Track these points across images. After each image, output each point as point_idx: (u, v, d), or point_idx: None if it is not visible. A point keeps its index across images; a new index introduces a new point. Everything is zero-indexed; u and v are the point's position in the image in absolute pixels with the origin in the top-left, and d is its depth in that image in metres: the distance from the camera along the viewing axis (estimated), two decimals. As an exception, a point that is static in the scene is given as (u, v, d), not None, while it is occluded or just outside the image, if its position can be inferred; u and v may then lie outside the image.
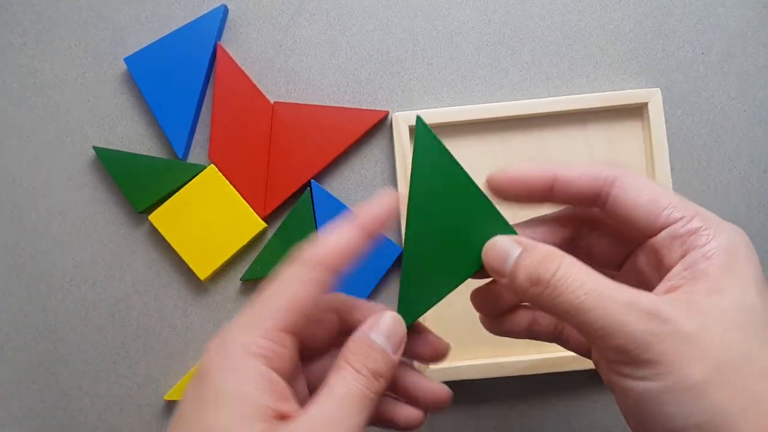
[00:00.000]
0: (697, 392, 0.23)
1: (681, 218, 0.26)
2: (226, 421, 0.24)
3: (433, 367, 0.41)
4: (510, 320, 0.31)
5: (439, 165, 0.28)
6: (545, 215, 0.30)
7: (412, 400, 0.30)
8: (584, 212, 0.30)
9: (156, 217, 0.43)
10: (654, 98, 0.42)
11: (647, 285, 0.26)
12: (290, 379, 0.26)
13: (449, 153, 0.28)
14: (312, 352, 0.29)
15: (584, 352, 0.31)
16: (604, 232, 0.29)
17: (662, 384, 0.23)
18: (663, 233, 0.26)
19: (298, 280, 0.27)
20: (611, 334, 0.23)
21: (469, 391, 0.43)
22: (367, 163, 0.44)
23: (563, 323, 0.31)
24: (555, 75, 0.44)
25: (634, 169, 0.28)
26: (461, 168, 0.28)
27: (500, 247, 0.27)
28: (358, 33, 0.45)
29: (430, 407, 0.30)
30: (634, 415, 0.25)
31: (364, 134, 0.44)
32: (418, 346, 0.30)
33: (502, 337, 0.39)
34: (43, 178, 0.45)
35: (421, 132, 0.28)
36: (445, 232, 0.28)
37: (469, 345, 0.42)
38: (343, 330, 0.29)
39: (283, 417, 0.25)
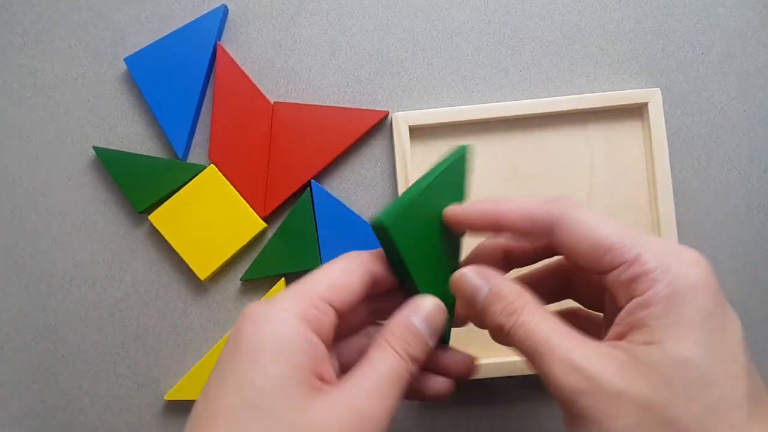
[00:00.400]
0: None
1: (621, 263, 0.25)
2: (263, 380, 0.24)
3: None
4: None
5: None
6: (539, 268, 0.32)
7: (439, 371, 0.31)
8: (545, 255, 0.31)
9: (156, 217, 0.43)
10: (654, 98, 0.42)
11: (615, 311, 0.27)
12: (329, 346, 0.27)
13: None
14: (344, 331, 0.30)
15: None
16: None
17: None
18: (608, 278, 0.26)
19: (349, 266, 0.28)
20: (548, 384, 0.25)
21: (468, 392, 0.43)
22: (367, 163, 0.44)
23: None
24: (555, 75, 0.44)
25: (577, 201, 0.28)
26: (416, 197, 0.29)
27: (468, 283, 0.28)
28: (358, 33, 0.45)
29: (456, 376, 0.31)
30: None
31: (364, 134, 0.44)
32: (449, 363, 0.31)
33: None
34: (43, 178, 0.45)
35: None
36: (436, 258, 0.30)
37: (468, 346, 0.42)
38: (377, 303, 0.30)
39: (321, 380, 0.25)
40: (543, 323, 0.26)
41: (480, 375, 0.41)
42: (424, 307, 0.28)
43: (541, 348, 0.25)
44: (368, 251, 0.30)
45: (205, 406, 0.25)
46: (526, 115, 0.42)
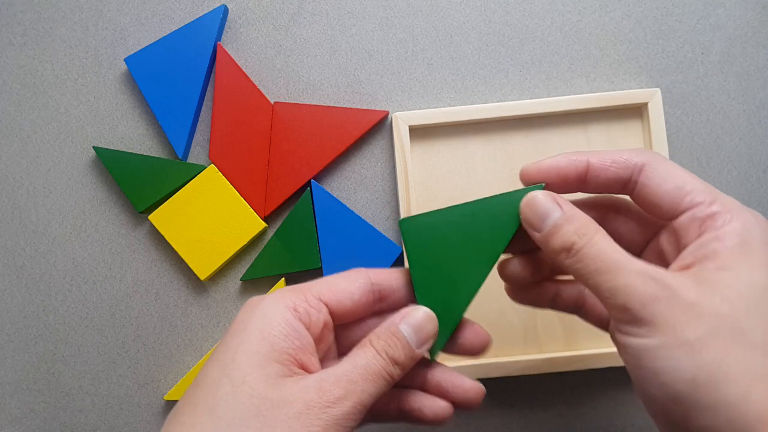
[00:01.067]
0: (688, 350, 0.25)
1: (701, 203, 0.27)
2: (243, 355, 0.26)
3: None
4: (535, 291, 0.33)
5: (429, 228, 0.31)
6: (574, 200, 0.31)
7: (442, 394, 0.31)
8: (610, 198, 0.32)
9: (156, 217, 0.43)
10: (654, 98, 0.42)
11: (666, 264, 0.28)
12: (318, 340, 0.29)
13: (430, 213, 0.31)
14: (346, 320, 0.31)
15: (603, 325, 0.33)
16: (630, 216, 0.32)
17: (657, 340, 0.25)
18: (683, 216, 0.28)
19: (351, 275, 0.30)
20: (616, 295, 0.26)
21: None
22: (367, 163, 0.44)
23: (582, 299, 0.33)
24: (555, 75, 0.44)
25: (660, 154, 0.30)
26: (446, 209, 0.31)
27: (540, 205, 0.29)
28: (358, 33, 0.45)
29: (460, 403, 0.31)
30: (634, 373, 0.27)
31: (364, 134, 0.44)
32: (449, 386, 0.32)
33: (501, 338, 0.40)
34: (44, 177, 0.45)
35: (407, 227, 0.31)
36: (450, 258, 0.31)
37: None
38: (380, 308, 0.31)
39: (303, 367, 0.27)
40: (612, 245, 0.27)
41: (482, 375, 0.41)
42: (414, 315, 0.29)
43: (618, 262, 0.26)
44: (380, 268, 0.31)
45: (195, 379, 0.27)
46: (526, 115, 0.42)
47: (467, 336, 0.32)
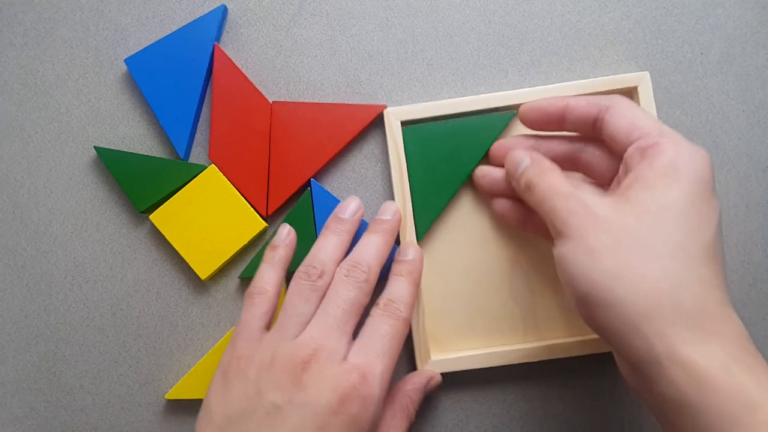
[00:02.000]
0: (590, 255, 0.29)
1: (645, 135, 0.32)
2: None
3: (434, 358, 0.41)
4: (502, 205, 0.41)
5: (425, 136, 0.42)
6: (557, 134, 0.39)
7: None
8: (585, 134, 0.37)
9: (157, 217, 0.43)
10: (643, 81, 0.41)
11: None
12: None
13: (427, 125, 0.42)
14: None
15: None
16: (602, 149, 0.36)
17: (567, 248, 0.30)
18: (631, 147, 0.32)
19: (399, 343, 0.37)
20: (549, 214, 0.32)
21: (469, 381, 0.43)
22: (367, 162, 0.44)
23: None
24: (554, 75, 0.44)
25: (628, 99, 0.34)
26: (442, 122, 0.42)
27: (517, 156, 0.37)
28: (358, 33, 0.45)
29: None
30: (561, 280, 0.31)
31: (363, 129, 0.44)
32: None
33: (499, 328, 0.43)
34: (45, 178, 0.45)
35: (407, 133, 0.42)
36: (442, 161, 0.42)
37: (468, 336, 0.42)
38: None
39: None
40: (561, 180, 0.33)
41: (479, 365, 0.41)
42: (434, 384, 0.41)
43: (556, 190, 0.32)
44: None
45: None
46: (518, 104, 0.41)
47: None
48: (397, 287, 0.37)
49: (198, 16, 0.44)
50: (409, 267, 0.38)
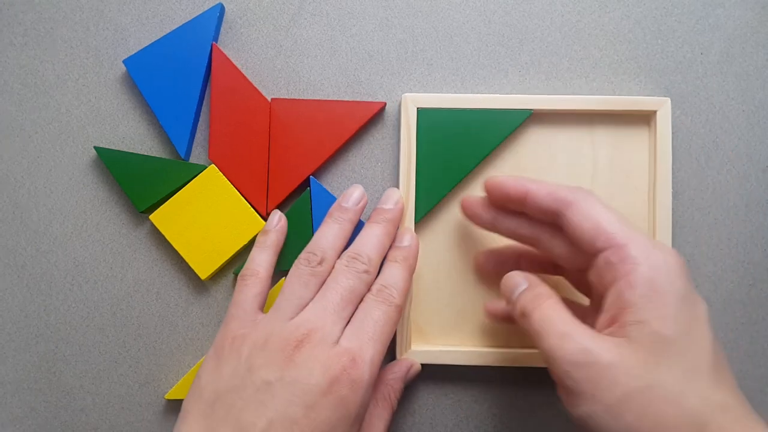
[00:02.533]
0: (611, 414, 0.28)
1: (611, 246, 0.30)
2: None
3: (415, 348, 0.42)
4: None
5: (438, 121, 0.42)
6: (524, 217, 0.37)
7: None
8: (550, 221, 0.35)
9: (157, 217, 0.43)
10: (663, 107, 0.42)
11: (597, 296, 0.32)
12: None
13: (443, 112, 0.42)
14: None
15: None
16: (562, 238, 0.35)
17: (586, 410, 0.29)
18: (600, 257, 0.31)
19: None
20: (547, 355, 0.30)
21: (469, 381, 0.43)
22: (366, 160, 0.44)
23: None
24: (554, 76, 0.44)
25: (593, 194, 0.33)
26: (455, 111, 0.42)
27: (513, 279, 0.35)
28: (358, 33, 0.45)
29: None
30: None
31: (362, 127, 0.44)
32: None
33: (483, 328, 0.43)
34: (45, 177, 0.45)
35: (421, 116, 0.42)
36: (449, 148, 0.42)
37: (451, 332, 0.43)
38: None
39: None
40: (556, 311, 0.31)
41: (463, 362, 0.42)
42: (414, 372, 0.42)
43: (547, 324, 0.31)
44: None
45: None
46: (536, 110, 0.42)
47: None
48: (391, 273, 0.37)
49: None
50: (404, 253, 0.38)
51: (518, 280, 0.34)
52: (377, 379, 0.39)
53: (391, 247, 0.39)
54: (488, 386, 0.43)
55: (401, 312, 0.36)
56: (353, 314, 0.35)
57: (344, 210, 0.39)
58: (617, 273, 0.30)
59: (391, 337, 0.35)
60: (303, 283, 0.36)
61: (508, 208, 0.37)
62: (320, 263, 0.36)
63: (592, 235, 0.31)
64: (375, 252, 0.37)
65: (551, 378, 0.31)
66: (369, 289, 0.36)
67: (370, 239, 0.38)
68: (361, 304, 0.35)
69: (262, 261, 0.39)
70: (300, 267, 0.37)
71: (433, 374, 0.43)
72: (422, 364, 0.41)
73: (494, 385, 0.43)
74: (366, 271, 0.36)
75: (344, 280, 0.35)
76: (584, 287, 0.38)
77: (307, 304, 0.35)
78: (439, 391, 0.43)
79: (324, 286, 0.36)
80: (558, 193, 0.33)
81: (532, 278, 0.34)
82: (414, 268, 0.39)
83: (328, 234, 0.38)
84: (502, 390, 0.43)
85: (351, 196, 0.40)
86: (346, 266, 0.36)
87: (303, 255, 0.37)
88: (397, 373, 0.40)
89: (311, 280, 0.36)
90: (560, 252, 0.35)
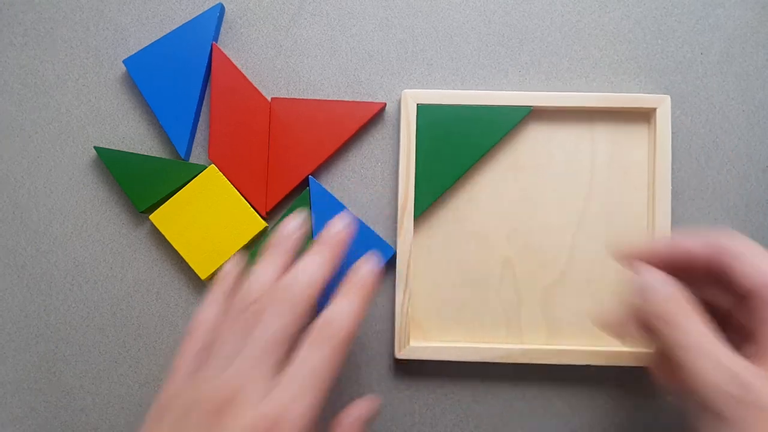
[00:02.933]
0: None
1: None
2: None
3: (414, 344, 0.42)
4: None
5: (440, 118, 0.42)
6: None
7: None
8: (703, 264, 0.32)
9: (157, 217, 0.43)
10: (663, 105, 0.42)
11: (742, 331, 0.30)
12: None
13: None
14: None
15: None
16: (717, 287, 0.32)
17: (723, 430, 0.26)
18: (763, 293, 0.29)
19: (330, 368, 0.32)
20: (698, 382, 0.27)
21: (469, 381, 0.43)
22: (366, 160, 0.44)
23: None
24: (554, 75, 0.44)
25: (737, 236, 0.31)
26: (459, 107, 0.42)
27: (652, 277, 0.31)
28: (358, 33, 0.45)
29: None
30: None
31: (362, 127, 0.44)
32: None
33: (482, 326, 0.42)
34: (45, 177, 0.45)
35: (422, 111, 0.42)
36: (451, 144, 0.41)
37: (453, 328, 0.43)
38: None
39: None
40: (703, 329, 0.29)
41: (457, 357, 0.42)
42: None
43: (693, 342, 0.28)
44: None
45: None
46: (535, 107, 0.42)
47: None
48: (338, 306, 0.32)
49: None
50: (358, 283, 0.34)
51: (658, 279, 0.31)
52: (333, 426, 0.35)
53: (346, 277, 0.35)
54: (488, 385, 0.43)
55: (346, 345, 0.31)
56: (291, 357, 0.31)
57: (279, 243, 0.36)
58: None
59: (332, 377, 0.31)
60: (233, 331, 0.32)
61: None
62: (250, 305, 0.33)
63: (764, 279, 0.29)
64: (307, 281, 0.33)
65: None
66: (310, 324, 0.32)
67: (304, 269, 0.33)
68: (299, 348, 0.31)
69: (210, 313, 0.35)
70: (232, 313, 0.33)
71: (433, 372, 0.43)
72: (421, 361, 0.41)
73: (494, 384, 0.43)
74: (296, 304, 0.32)
75: (271, 322, 0.31)
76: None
77: (239, 355, 0.31)
78: (439, 390, 0.43)
79: (252, 332, 0.31)
80: (713, 241, 0.31)
81: (673, 281, 0.31)
82: (368, 298, 0.34)
83: (262, 275, 0.34)
84: (502, 389, 0.43)
85: (287, 226, 0.37)
86: (273, 303, 0.32)
87: (237, 299, 0.34)
88: (353, 416, 0.35)
89: (240, 327, 0.32)
90: (714, 297, 0.33)
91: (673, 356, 0.29)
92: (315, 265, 0.33)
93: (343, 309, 0.32)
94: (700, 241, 0.32)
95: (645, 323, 0.32)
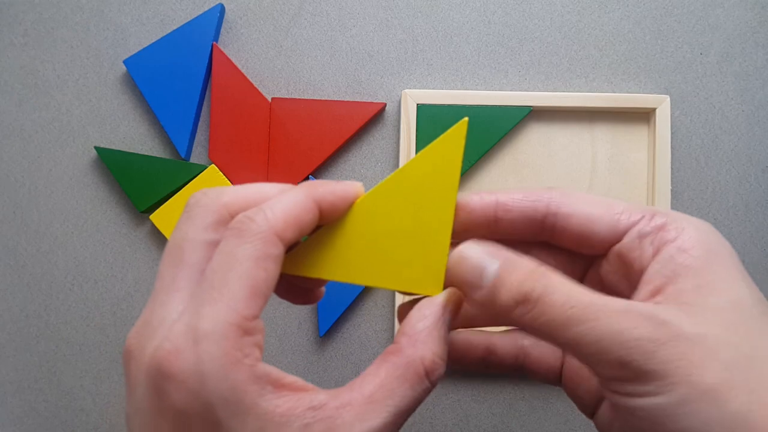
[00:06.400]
0: (712, 398, 0.21)
1: (642, 217, 0.24)
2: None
3: None
4: (456, 342, 0.28)
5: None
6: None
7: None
8: (533, 237, 0.27)
9: (157, 217, 0.43)
10: (662, 105, 0.42)
11: (617, 296, 0.23)
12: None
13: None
14: None
15: (551, 380, 0.29)
16: (555, 252, 0.27)
17: (673, 396, 0.21)
18: (627, 236, 0.24)
19: (258, 259, 0.22)
20: (607, 347, 0.21)
21: (469, 381, 0.43)
22: (366, 160, 0.44)
23: (524, 354, 0.28)
24: (554, 75, 0.44)
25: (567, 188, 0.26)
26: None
27: (473, 260, 0.24)
28: (358, 34, 0.45)
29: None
30: None
31: (362, 127, 0.44)
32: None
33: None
34: (45, 178, 0.45)
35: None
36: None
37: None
38: None
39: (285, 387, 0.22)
40: (574, 286, 0.22)
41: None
42: (433, 306, 0.24)
43: (594, 305, 0.21)
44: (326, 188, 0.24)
45: None
46: (535, 107, 0.42)
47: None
48: (272, 201, 0.23)
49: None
50: (315, 186, 0.24)
51: (483, 258, 0.23)
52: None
53: None
54: (488, 385, 0.43)
55: (271, 241, 0.22)
56: None
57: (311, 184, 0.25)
58: (659, 242, 0.23)
59: (266, 276, 0.22)
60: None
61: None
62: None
63: (609, 216, 0.24)
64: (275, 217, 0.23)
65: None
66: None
67: (280, 200, 0.23)
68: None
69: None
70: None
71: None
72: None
73: (494, 384, 0.43)
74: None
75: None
76: None
77: None
78: (440, 391, 0.43)
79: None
80: (534, 192, 0.25)
81: (499, 248, 0.24)
82: (317, 197, 0.24)
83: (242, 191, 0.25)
84: (503, 389, 0.43)
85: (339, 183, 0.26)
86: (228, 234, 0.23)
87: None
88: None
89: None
90: (558, 261, 0.27)
91: (558, 341, 0.22)
92: (290, 202, 0.23)
93: (278, 199, 0.23)
94: (519, 193, 0.25)
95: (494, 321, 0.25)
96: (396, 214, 0.25)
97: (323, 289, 0.28)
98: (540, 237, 0.26)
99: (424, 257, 0.25)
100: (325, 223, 0.25)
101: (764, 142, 0.44)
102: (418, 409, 0.43)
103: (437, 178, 0.25)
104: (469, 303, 0.24)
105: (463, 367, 0.28)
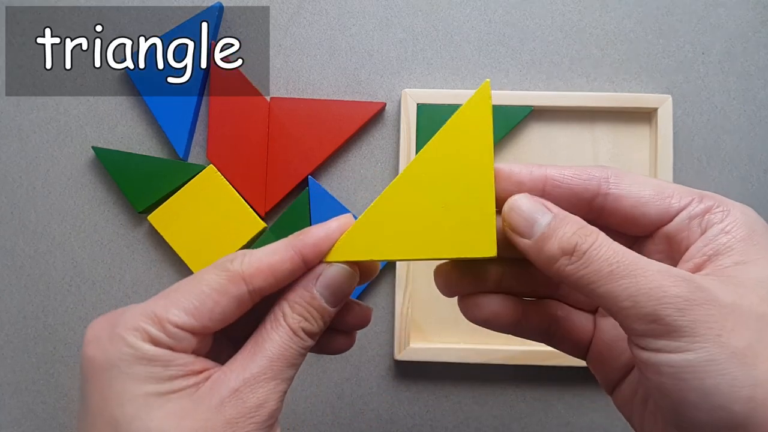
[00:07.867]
0: (740, 362, 0.21)
1: (692, 200, 0.26)
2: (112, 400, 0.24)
3: (414, 345, 0.42)
4: (491, 304, 0.29)
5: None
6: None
7: (338, 326, 0.29)
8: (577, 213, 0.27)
9: (155, 218, 0.43)
10: (664, 105, 0.42)
11: (677, 253, 0.26)
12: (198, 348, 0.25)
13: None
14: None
15: (578, 352, 0.30)
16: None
17: (701, 354, 0.22)
18: (678, 218, 0.26)
19: (215, 290, 0.25)
20: (643, 302, 0.22)
21: (469, 382, 0.43)
22: (365, 160, 0.44)
23: (556, 325, 0.29)
24: (555, 75, 0.44)
25: (624, 169, 0.27)
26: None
27: (526, 209, 0.25)
28: (357, 33, 0.45)
29: (353, 328, 0.30)
30: (673, 397, 0.22)
31: (362, 127, 0.44)
32: (345, 315, 0.29)
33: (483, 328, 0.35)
34: (43, 178, 0.45)
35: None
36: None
37: (453, 329, 0.43)
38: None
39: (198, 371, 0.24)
40: (621, 246, 0.24)
41: (458, 359, 0.42)
42: (331, 274, 0.26)
43: (636, 263, 0.23)
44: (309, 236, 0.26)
45: None
46: (536, 107, 0.42)
47: (353, 318, 0.29)
48: (254, 250, 0.26)
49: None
50: (298, 235, 0.26)
51: (534, 208, 0.25)
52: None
53: None
54: (489, 387, 0.43)
55: (240, 280, 0.25)
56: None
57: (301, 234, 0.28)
58: (706, 224, 0.25)
59: (220, 301, 0.25)
60: None
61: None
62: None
63: (660, 199, 0.26)
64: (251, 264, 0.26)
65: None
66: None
67: (257, 251, 0.26)
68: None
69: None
70: None
71: (433, 373, 0.43)
72: (421, 362, 0.41)
73: (495, 386, 0.43)
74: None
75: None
76: None
77: None
78: (440, 393, 0.43)
79: None
80: (587, 171, 0.26)
81: (552, 204, 0.26)
82: (301, 250, 0.26)
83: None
84: (504, 391, 0.43)
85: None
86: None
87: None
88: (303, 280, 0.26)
89: None
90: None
91: (597, 293, 0.23)
92: (268, 251, 0.26)
93: (263, 249, 0.26)
94: (570, 171, 0.27)
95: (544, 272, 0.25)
96: (436, 185, 0.26)
97: (356, 334, 0.30)
98: (586, 215, 0.26)
99: (471, 222, 0.25)
100: (314, 266, 0.26)
101: (766, 142, 0.43)
102: (418, 411, 0.43)
103: (471, 142, 0.26)
104: (515, 249, 0.25)
105: (497, 328, 0.29)
